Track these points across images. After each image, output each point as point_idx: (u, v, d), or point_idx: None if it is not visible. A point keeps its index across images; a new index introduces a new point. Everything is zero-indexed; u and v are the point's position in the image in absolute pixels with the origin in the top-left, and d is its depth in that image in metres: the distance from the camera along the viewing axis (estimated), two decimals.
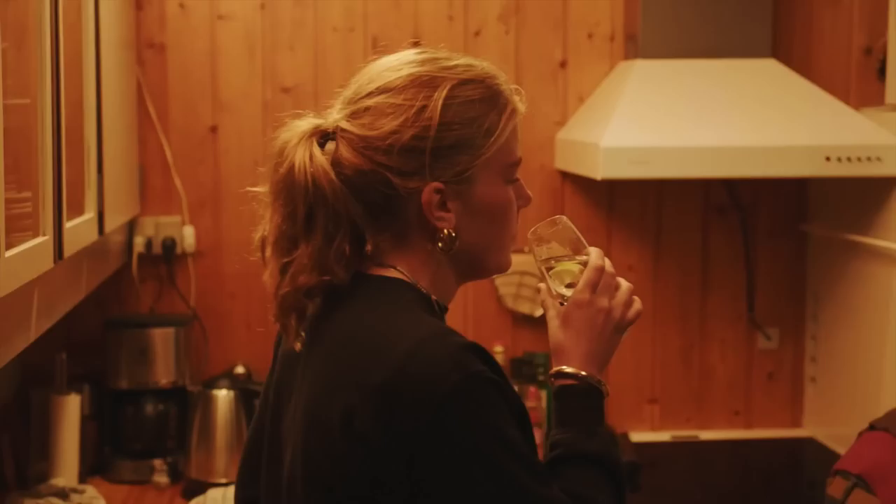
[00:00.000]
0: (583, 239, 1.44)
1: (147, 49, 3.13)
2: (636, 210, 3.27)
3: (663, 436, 3.31)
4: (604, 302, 1.41)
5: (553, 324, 1.43)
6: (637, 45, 3.07)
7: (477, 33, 3.19)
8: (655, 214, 3.28)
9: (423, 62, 1.35)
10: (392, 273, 1.35)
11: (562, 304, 1.42)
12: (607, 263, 1.43)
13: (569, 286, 1.42)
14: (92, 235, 2.41)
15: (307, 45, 3.17)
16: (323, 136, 1.33)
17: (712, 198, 3.29)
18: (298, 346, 1.34)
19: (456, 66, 1.35)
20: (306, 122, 1.34)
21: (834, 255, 3.18)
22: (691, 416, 3.36)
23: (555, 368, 1.41)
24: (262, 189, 1.36)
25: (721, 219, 3.30)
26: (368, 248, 1.37)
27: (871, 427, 1.54)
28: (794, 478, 3.22)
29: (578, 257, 1.42)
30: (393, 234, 1.35)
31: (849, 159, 2.81)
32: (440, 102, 1.31)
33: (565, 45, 3.23)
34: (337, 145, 1.32)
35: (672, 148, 2.82)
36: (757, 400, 3.37)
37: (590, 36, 3.23)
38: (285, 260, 1.32)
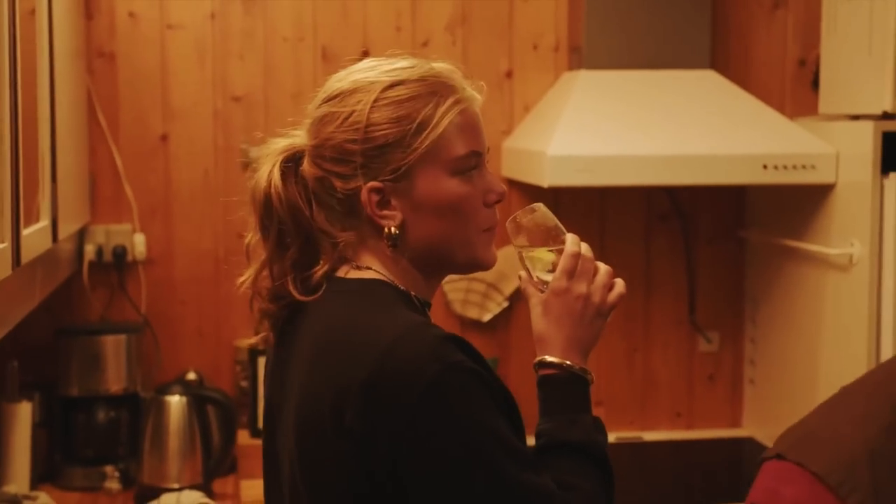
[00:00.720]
0: (561, 226, 1.45)
1: (97, 58, 3.14)
2: (581, 217, 3.32)
3: (608, 437, 3.37)
4: (581, 288, 1.42)
5: (535, 312, 1.45)
6: (581, 56, 3.14)
7: (425, 44, 3.24)
8: (599, 221, 3.35)
9: (365, 69, 1.40)
10: (368, 273, 1.39)
11: (541, 291, 1.43)
12: (584, 248, 1.44)
13: (549, 272, 1.42)
14: (46, 243, 2.42)
15: (257, 54, 3.20)
16: (298, 152, 1.40)
17: (654, 205, 3.37)
18: (273, 347, 1.41)
19: (394, 69, 1.38)
20: (279, 142, 1.41)
21: (770, 259, 3.26)
22: (635, 418, 3.43)
23: (537, 358, 1.44)
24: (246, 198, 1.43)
25: (663, 225, 3.38)
26: (339, 251, 1.40)
27: (779, 456, 1.27)
28: (734, 476, 3.30)
29: (556, 245, 1.43)
30: (357, 235, 1.39)
31: (785, 167, 2.89)
32: (368, 106, 1.35)
33: (511, 56, 3.29)
34: (303, 162, 1.39)
35: (616, 156, 2.88)
36: (698, 402, 3.45)
37: (535, 47, 3.28)
38: (260, 269, 1.40)
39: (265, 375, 1.51)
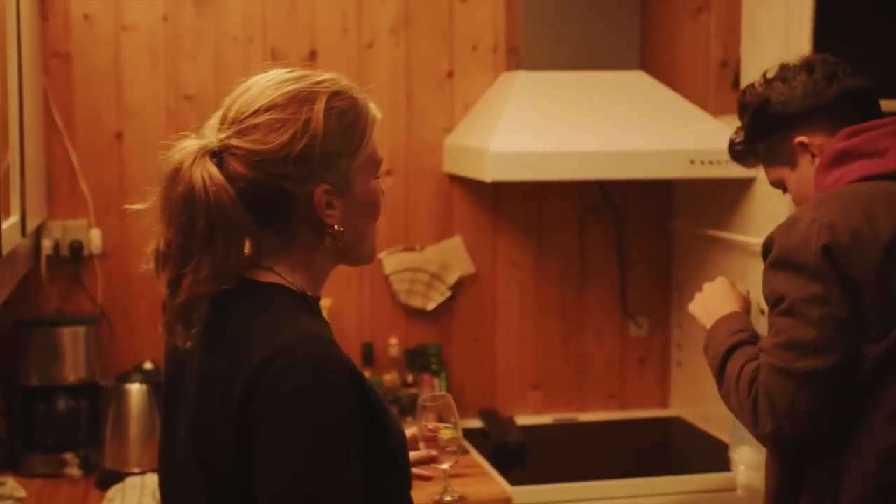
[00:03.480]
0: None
1: (53, 58, 3.20)
2: (520, 210, 3.45)
3: (546, 419, 3.51)
4: None
5: None
6: (519, 57, 3.24)
7: (370, 45, 3.34)
8: (537, 214, 3.47)
9: (297, 79, 1.46)
10: (269, 277, 1.46)
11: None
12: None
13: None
14: (17, 237, 2.50)
15: (208, 54, 3.27)
16: (213, 154, 1.42)
17: (588, 198, 3.49)
18: (188, 346, 1.45)
19: (324, 80, 1.47)
20: (194, 143, 1.43)
21: (696, 249, 3.41)
22: (571, 400, 3.57)
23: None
24: (145, 206, 1.45)
25: (596, 217, 3.51)
26: (249, 252, 1.47)
27: None
28: (663, 452, 3.48)
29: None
30: (281, 235, 1.46)
31: (710, 162, 3.04)
32: (321, 114, 1.43)
33: (452, 57, 3.39)
34: (226, 162, 1.41)
35: (554, 153, 3.00)
36: (629, 384, 3.60)
37: (474, 48, 3.39)
38: (180, 271, 1.41)
39: (166, 371, 1.58)
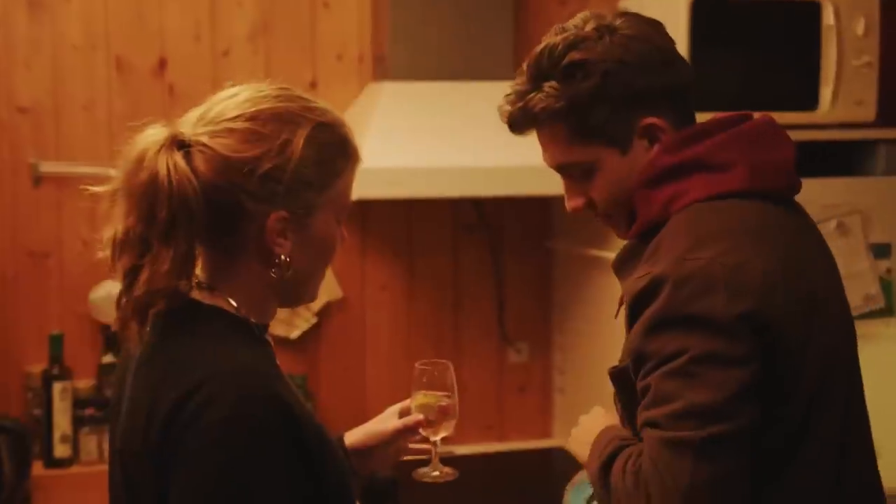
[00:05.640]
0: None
1: None
2: (389, 229, 3.33)
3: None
4: None
5: None
6: (385, 67, 3.13)
7: (225, 53, 3.17)
8: (406, 234, 3.35)
9: (289, 98, 1.45)
10: (212, 298, 1.44)
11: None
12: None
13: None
14: None
15: (44, 63, 3.05)
16: (179, 146, 1.40)
17: (461, 216, 3.38)
18: (135, 349, 1.43)
19: (316, 108, 1.46)
20: (161, 131, 1.41)
21: (577, 269, 3.32)
22: None
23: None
24: (103, 189, 1.41)
25: (470, 237, 3.40)
26: (197, 266, 1.44)
27: None
28: (545, 484, 3.32)
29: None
30: (226, 250, 1.44)
31: None
32: (302, 140, 1.41)
33: (315, 66, 3.25)
34: (192, 157, 1.40)
35: (424, 168, 2.90)
36: (509, 413, 3.48)
37: (339, 57, 3.26)
38: (138, 262, 1.38)
39: (115, 382, 1.54)
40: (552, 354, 3.48)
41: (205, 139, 1.41)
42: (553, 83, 1.64)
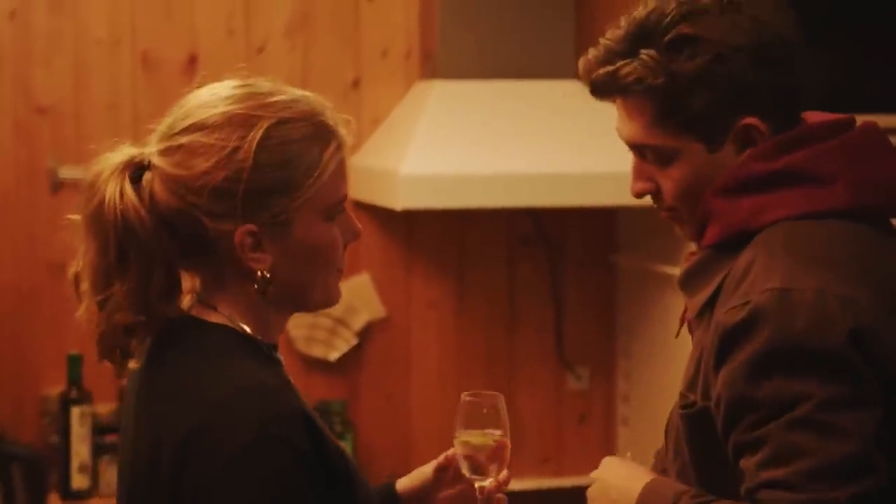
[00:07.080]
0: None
1: None
2: (437, 242, 3.31)
3: None
4: None
5: None
6: (435, 64, 3.12)
7: (260, 50, 3.17)
8: (458, 248, 3.33)
9: (241, 98, 1.38)
10: (214, 316, 1.40)
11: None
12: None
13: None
14: None
15: (66, 59, 3.05)
16: (138, 168, 1.37)
17: (517, 229, 3.35)
18: (128, 379, 1.42)
19: (276, 102, 1.38)
20: (120, 154, 1.38)
21: (644, 286, 3.26)
22: None
23: None
24: (75, 218, 1.39)
25: (526, 251, 3.36)
26: (192, 285, 1.43)
27: None
28: None
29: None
30: (210, 273, 1.41)
31: None
32: (254, 144, 1.34)
33: (358, 63, 3.23)
34: (152, 179, 1.37)
35: (475, 176, 2.89)
36: (567, 445, 3.42)
37: (384, 54, 3.24)
38: (100, 297, 1.36)
39: (122, 417, 1.54)
40: (616, 381, 3.42)
41: (156, 159, 1.37)
42: (653, 52, 1.49)
